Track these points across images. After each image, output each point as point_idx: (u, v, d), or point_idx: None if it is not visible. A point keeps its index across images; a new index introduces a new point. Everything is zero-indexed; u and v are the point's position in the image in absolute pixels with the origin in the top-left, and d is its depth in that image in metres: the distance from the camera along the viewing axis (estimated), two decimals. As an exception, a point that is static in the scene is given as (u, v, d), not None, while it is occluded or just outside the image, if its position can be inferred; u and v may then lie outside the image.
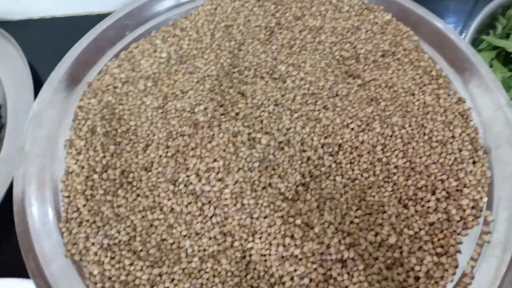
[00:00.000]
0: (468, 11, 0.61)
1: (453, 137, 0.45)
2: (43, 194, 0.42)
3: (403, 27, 0.52)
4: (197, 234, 0.40)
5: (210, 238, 0.40)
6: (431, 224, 0.40)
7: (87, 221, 0.40)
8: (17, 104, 0.52)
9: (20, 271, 0.39)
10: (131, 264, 0.38)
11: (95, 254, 0.39)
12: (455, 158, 0.43)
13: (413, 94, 0.47)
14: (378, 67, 0.49)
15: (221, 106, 0.47)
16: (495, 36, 0.56)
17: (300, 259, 0.38)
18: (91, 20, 0.57)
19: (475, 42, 0.56)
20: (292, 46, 0.51)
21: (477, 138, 0.45)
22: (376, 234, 0.40)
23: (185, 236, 0.40)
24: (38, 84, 0.51)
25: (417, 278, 0.38)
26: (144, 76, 0.49)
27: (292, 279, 0.38)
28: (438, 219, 0.40)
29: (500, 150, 0.43)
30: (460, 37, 0.50)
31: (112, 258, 0.38)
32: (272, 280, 0.38)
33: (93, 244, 0.39)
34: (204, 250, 0.39)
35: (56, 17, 0.62)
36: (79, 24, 0.60)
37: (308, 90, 0.48)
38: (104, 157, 0.43)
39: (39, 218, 0.40)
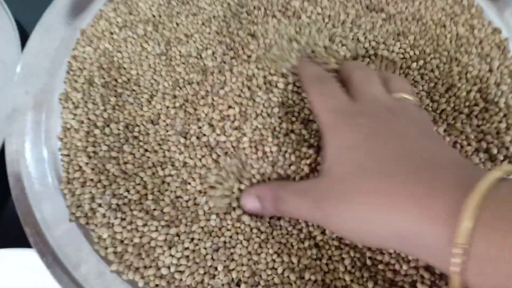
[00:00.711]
0: None
1: (490, 70, 0.40)
2: (40, 153, 0.37)
3: (428, -47, 0.47)
4: (213, 188, 0.36)
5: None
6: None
7: (91, 180, 0.36)
8: (2, 60, 0.46)
9: (20, 241, 0.35)
10: (144, 225, 0.34)
11: (103, 216, 0.34)
12: (494, 93, 0.39)
13: (444, 26, 0.43)
14: (403, -1, 0.44)
15: (231, 49, 0.42)
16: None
17: None
18: None
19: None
20: (306, -20, 0.46)
21: (517, 71, 0.40)
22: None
23: (200, 192, 0.36)
24: (25, 40, 0.45)
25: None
26: (143, 19, 0.44)
27: (323, 232, 0.34)
28: (480, 160, 0.36)
29: (545, 82, 0.39)
30: (491, -39, 0.45)
31: (123, 219, 0.34)
32: (302, 235, 0.34)
33: (100, 205, 0.35)
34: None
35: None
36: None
37: (327, 25, 0.43)
38: (105, 110, 0.39)
39: (37, 179, 0.36)
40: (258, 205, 0.33)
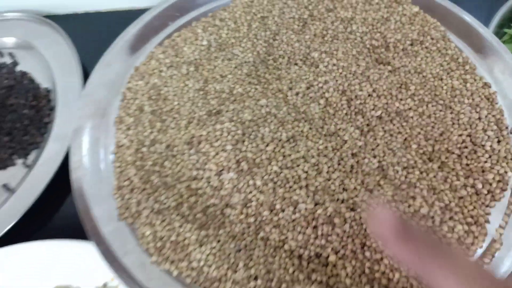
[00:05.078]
0: (488, 8, 0.63)
1: (479, 118, 0.47)
2: (97, 164, 0.45)
3: (430, 18, 0.55)
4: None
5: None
6: (461, 197, 0.42)
7: (138, 188, 0.43)
8: (66, 88, 0.55)
9: (77, 235, 0.43)
10: (180, 226, 0.41)
11: (147, 217, 0.41)
12: (481, 137, 0.45)
13: (441, 79, 0.50)
14: (407, 55, 0.52)
15: (256, 90, 0.50)
16: (517, 30, 0.59)
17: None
18: (132, 14, 0.59)
19: (497, 36, 0.59)
20: (325, 36, 0.54)
21: (502, 119, 0.47)
22: (409, 206, 0.42)
23: (227, 205, 0.43)
24: (84, 74, 0.56)
25: (448, 245, 0.40)
26: (186, 61, 0.52)
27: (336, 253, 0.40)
28: (468, 193, 0.43)
29: (526, 129, 0.46)
30: (484, 27, 0.53)
31: (163, 220, 0.41)
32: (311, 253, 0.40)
33: (144, 208, 0.42)
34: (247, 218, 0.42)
35: (99, 12, 0.66)
36: (120, 18, 0.64)
37: (340, 74, 0.51)
38: (152, 132, 0.47)
39: (94, 185, 0.44)
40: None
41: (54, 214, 0.48)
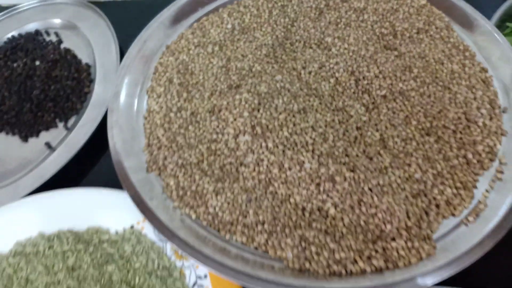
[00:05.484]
0: (493, 4, 0.67)
1: (474, 98, 0.51)
2: (131, 124, 0.52)
3: (436, 10, 0.60)
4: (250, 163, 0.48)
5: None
6: (452, 166, 0.47)
7: (165, 146, 0.49)
8: (105, 64, 0.62)
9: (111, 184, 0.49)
10: (200, 179, 0.47)
11: (172, 170, 0.48)
12: (475, 114, 0.50)
13: (442, 64, 0.55)
14: (413, 42, 0.57)
15: (273, 68, 0.56)
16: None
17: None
18: (164, 3, 0.65)
19: (499, 29, 0.63)
20: (338, 23, 0.60)
21: (495, 100, 0.51)
22: (404, 172, 0.47)
23: (241, 164, 0.48)
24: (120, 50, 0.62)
25: (437, 206, 0.45)
26: (212, 42, 0.59)
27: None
28: (459, 162, 0.47)
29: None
30: (486, 19, 0.57)
31: (185, 173, 0.47)
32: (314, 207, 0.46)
33: (170, 162, 0.48)
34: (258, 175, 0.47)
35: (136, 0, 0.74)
36: (153, 7, 0.69)
37: (351, 57, 0.56)
38: (179, 101, 0.53)
39: (127, 142, 0.50)
40: None
41: (93, 167, 0.56)
